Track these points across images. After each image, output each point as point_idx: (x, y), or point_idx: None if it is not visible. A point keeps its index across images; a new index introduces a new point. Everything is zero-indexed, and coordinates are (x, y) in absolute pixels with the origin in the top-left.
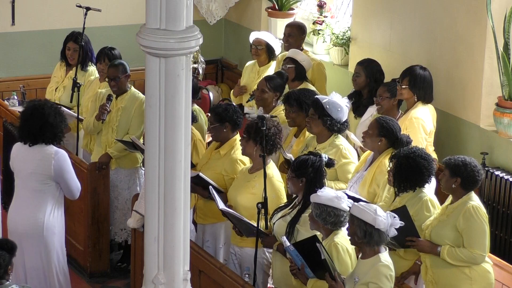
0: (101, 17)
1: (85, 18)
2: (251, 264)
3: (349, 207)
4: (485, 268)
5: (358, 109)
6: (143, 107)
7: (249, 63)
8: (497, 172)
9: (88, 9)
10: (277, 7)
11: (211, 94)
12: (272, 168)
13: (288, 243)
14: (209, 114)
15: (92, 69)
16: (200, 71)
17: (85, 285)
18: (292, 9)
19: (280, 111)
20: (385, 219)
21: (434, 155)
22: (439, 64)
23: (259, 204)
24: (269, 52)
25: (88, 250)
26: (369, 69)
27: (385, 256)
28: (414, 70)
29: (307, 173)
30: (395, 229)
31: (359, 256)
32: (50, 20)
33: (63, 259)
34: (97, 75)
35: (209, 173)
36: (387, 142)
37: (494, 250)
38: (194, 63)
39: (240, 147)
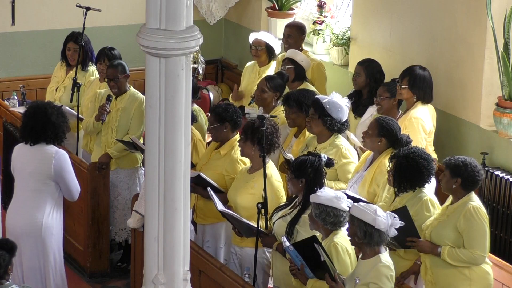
0: (101, 17)
1: (85, 18)
2: (251, 264)
3: (349, 207)
4: (485, 269)
5: (358, 109)
6: (143, 107)
7: (249, 63)
8: (497, 172)
9: (88, 9)
10: (277, 7)
11: (211, 94)
12: (271, 168)
13: (287, 243)
14: (209, 114)
15: (92, 69)
16: (200, 71)
17: (85, 285)
18: (292, 9)
19: (280, 111)
20: (385, 219)
21: (434, 155)
22: (439, 64)
23: (259, 204)
24: (269, 52)
25: (88, 250)
26: (370, 69)
27: (385, 256)
28: (414, 70)
29: (307, 174)
30: (395, 229)
31: (360, 257)
32: (50, 20)
33: (60, 260)
34: (97, 75)
35: (209, 173)
36: (387, 142)
37: (494, 250)
38: (194, 63)
39: None
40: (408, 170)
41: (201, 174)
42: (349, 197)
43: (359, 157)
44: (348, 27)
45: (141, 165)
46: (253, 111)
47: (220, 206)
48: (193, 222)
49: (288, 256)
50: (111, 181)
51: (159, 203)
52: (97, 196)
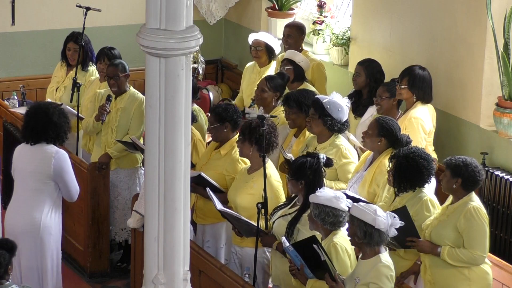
0: (101, 17)
1: (85, 18)
2: (251, 263)
3: (348, 207)
4: (484, 270)
5: (358, 109)
6: (143, 107)
7: (249, 64)
8: (497, 172)
9: (88, 9)
10: (277, 7)
11: (211, 94)
12: (270, 168)
13: (287, 244)
14: (209, 114)
15: (93, 69)
16: (200, 71)
17: (85, 285)
18: (292, 9)
19: (280, 111)
20: (385, 219)
21: (434, 155)
22: (439, 64)
23: (259, 204)
24: (269, 53)
25: (88, 250)
26: (370, 69)
27: (385, 256)
28: (413, 70)
29: (306, 176)
30: (395, 229)
31: (360, 257)
32: (50, 20)
33: (58, 261)
34: (98, 75)
35: (210, 173)
36: (387, 142)
37: (494, 250)
38: (194, 63)
39: None
40: (408, 170)
41: (202, 174)
42: (349, 197)
43: (359, 157)
44: (348, 27)
45: (141, 165)
46: (254, 111)
47: (219, 205)
48: (192, 223)
49: (288, 256)
50: (111, 181)
51: (159, 203)
52: (97, 196)
